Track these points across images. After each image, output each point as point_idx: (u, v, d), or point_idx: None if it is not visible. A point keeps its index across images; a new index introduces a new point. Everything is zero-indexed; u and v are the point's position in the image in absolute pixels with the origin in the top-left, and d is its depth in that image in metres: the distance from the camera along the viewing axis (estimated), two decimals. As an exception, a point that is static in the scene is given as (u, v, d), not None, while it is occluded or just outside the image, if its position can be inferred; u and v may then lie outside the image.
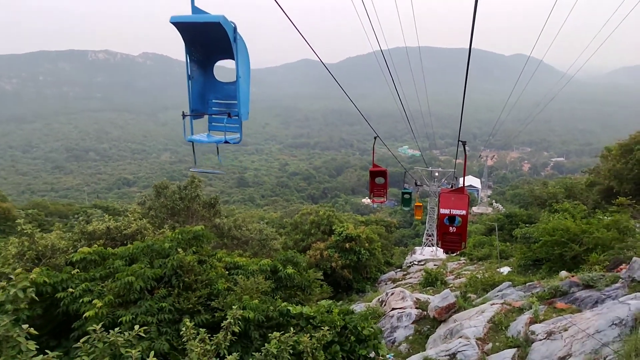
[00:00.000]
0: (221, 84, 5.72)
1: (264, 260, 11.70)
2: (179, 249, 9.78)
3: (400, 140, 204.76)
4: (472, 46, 5.78)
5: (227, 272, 10.96)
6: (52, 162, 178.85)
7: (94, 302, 8.25)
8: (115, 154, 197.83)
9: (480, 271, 23.26)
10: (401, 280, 27.02)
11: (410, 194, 26.18)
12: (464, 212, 11.78)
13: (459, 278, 23.21)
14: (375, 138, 13.29)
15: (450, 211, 11.93)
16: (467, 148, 11.53)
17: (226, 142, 5.35)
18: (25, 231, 11.62)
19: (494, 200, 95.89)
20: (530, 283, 14.69)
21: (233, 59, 4.93)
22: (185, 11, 4.99)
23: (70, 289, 8.94)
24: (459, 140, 11.17)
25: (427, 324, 14.75)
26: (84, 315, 8.12)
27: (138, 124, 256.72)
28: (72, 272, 9.61)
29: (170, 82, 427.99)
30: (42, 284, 8.92)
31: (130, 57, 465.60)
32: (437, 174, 33.03)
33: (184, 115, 5.52)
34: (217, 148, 5.65)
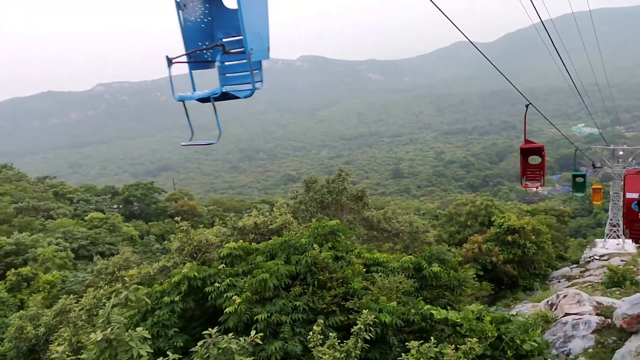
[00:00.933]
0: (232, 12, 3.53)
1: (406, 257, 10.80)
2: (315, 245, 9.53)
3: (574, 118, 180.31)
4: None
5: (366, 269, 10.37)
6: (229, 162, 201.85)
7: (233, 298, 8.43)
8: (279, 152, 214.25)
9: (689, 270, 18.78)
10: (578, 278, 23.21)
11: (583, 176, 22.20)
12: None
13: (657, 278, 18.91)
14: (527, 106, 9.93)
15: (639, 195, 10.94)
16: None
17: (226, 95, 3.35)
18: (182, 228, 12.84)
19: None
20: None
21: None
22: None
23: (217, 284, 9.33)
24: None
25: (613, 335, 12.13)
26: (225, 311, 8.35)
27: (298, 123, 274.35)
28: (219, 267, 10.07)
29: (326, 81, 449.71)
30: (193, 278, 9.48)
31: (289, 61, 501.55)
32: (621, 152, 27.47)
33: (169, 62, 3.48)
34: (214, 106, 3.63)
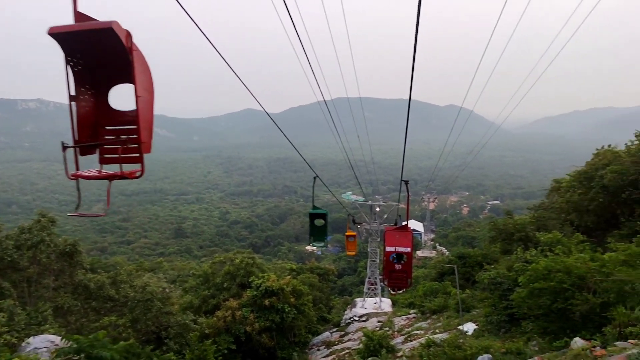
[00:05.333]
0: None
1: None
2: None
3: (344, 187, 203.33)
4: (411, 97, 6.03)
5: None
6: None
7: None
8: (39, 206, 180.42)
9: (437, 330, 18.08)
10: (337, 345, 20.96)
11: (324, 216, 14.58)
12: (408, 250, 11.84)
13: (410, 341, 17.60)
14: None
15: (395, 249, 11.84)
16: (409, 193, 11.60)
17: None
18: None
19: (437, 244, 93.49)
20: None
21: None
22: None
23: None
24: (401, 180, 11.36)
25: None
26: None
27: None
28: None
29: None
30: None
31: (64, 105, 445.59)
32: (378, 209, 27.87)
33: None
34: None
